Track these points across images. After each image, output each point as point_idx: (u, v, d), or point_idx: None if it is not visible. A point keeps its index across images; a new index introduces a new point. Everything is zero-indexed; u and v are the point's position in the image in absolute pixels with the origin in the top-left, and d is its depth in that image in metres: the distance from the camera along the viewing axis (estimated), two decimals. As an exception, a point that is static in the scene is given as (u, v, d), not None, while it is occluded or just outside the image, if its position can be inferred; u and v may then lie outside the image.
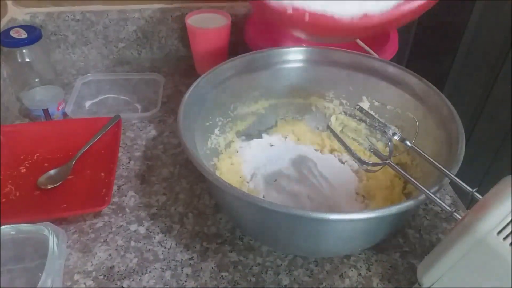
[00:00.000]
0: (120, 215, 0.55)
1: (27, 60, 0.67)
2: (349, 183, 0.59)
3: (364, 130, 0.62)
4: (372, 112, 0.52)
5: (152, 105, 0.73)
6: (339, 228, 0.44)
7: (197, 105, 0.54)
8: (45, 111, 0.67)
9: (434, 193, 0.41)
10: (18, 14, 0.79)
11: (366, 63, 0.60)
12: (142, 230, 0.53)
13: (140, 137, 0.67)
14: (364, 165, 0.48)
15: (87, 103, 0.74)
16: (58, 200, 0.56)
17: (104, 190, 0.56)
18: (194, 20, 0.76)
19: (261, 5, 0.55)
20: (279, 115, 0.65)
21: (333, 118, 0.63)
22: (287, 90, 0.63)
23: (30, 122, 0.69)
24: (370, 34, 0.66)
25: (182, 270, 0.49)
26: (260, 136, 0.64)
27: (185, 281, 0.48)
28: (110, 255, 0.50)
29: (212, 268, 0.49)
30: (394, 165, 0.46)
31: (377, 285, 0.48)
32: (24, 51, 0.67)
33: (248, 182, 0.58)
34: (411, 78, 0.56)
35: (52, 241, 0.44)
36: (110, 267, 0.49)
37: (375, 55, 0.66)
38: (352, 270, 0.49)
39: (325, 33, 0.59)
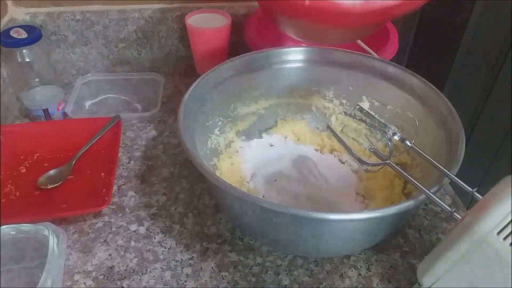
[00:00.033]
0: (120, 215, 0.55)
1: (27, 60, 0.67)
2: (349, 183, 0.59)
3: (364, 130, 0.62)
4: (372, 112, 0.52)
5: (152, 105, 0.73)
6: (339, 228, 0.44)
7: (197, 105, 0.54)
8: (45, 111, 0.67)
9: (434, 193, 0.41)
10: (18, 14, 0.79)
11: (366, 63, 0.60)
12: (142, 230, 0.53)
13: (140, 137, 0.67)
14: (364, 165, 0.48)
15: (87, 103, 0.74)
16: (58, 200, 0.56)
17: (104, 190, 0.56)
18: (194, 20, 0.76)
19: None
20: (279, 115, 0.65)
21: (333, 118, 0.63)
22: (287, 90, 0.63)
23: (30, 122, 0.69)
24: (371, 25, 0.65)
25: (182, 270, 0.49)
26: (260, 136, 0.64)
27: (185, 281, 0.48)
28: (110, 255, 0.50)
29: (212, 268, 0.49)
30: (394, 165, 0.46)
31: (377, 285, 0.48)
32: (24, 51, 0.67)
33: (248, 182, 0.58)
34: (411, 78, 0.56)
35: (52, 241, 0.44)
36: (110, 267, 0.49)
37: (375, 55, 0.66)
38: (352, 270, 0.49)
39: (325, 20, 0.58)
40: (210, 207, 0.56)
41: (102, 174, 0.59)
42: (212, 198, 0.57)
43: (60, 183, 0.58)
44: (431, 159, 0.45)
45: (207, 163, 0.54)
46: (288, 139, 0.65)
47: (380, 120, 0.50)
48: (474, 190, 0.40)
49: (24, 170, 0.60)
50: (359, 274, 0.49)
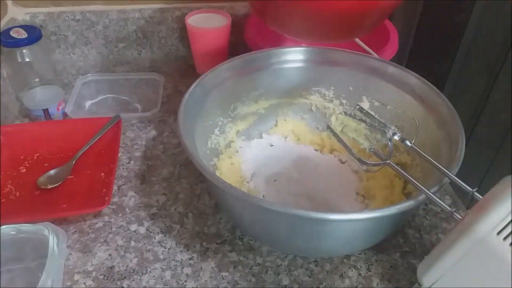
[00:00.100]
0: (120, 215, 0.55)
1: (27, 60, 0.67)
2: (349, 183, 0.59)
3: (364, 130, 0.62)
4: (372, 112, 0.52)
5: (152, 105, 0.73)
6: (339, 228, 0.44)
7: (197, 105, 0.54)
8: (45, 111, 0.67)
9: (434, 193, 0.41)
10: (18, 14, 0.79)
11: (366, 63, 0.60)
12: (142, 230, 0.53)
13: (140, 137, 0.67)
14: (364, 165, 0.48)
15: (87, 103, 0.74)
16: (58, 200, 0.56)
17: (104, 190, 0.56)
18: (194, 20, 0.76)
19: None
20: (279, 115, 0.65)
21: (333, 118, 0.63)
22: (287, 90, 0.63)
23: (30, 122, 0.69)
24: (370, 18, 0.64)
25: (182, 270, 0.49)
26: (260, 136, 0.64)
27: (185, 281, 0.48)
28: (110, 255, 0.50)
29: (212, 268, 0.49)
30: (394, 165, 0.46)
31: (377, 285, 0.48)
32: (24, 51, 0.67)
33: (248, 182, 0.58)
34: (411, 78, 0.56)
35: (52, 241, 0.44)
36: (110, 267, 0.49)
37: (375, 55, 0.66)
38: (352, 270, 0.49)
39: (321, 11, 0.57)
40: (210, 207, 0.56)
41: (102, 174, 0.59)
42: (212, 198, 0.57)
43: (60, 183, 0.58)
44: (431, 159, 0.45)
45: (207, 163, 0.54)
46: (288, 139, 0.65)
47: (380, 120, 0.50)
48: (474, 190, 0.40)
49: (24, 170, 0.60)
50: (359, 274, 0.49)
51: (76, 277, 0.48)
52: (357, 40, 0.69)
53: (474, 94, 0.95)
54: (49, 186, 0.57)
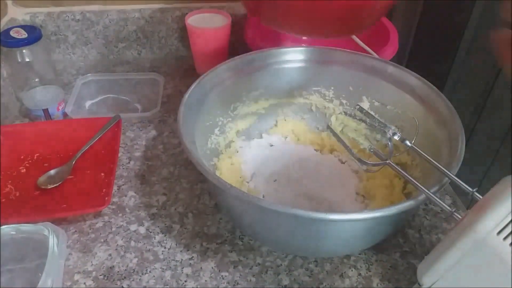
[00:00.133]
0: (120, 215, 0.55)
1: (27, 60, 0.67)
2: (349, 183, 0.59)
3: (364, 130, 0.62)
4: (372, 112, 0.52)
5: (152, 105, 0.73)
6: (339, 228, 0.44)
7: (197, 105, 0.54)
8: (45, 111, 0.67)
9: (434, 193, 0.41)
10: (18, 14, 0.79)
11: (366, 63, 0.60)
12: (142, 230, 0.53)
13: (140, 137, 0.67)
14: (364, 165, 0.48)
15: (87, 103, 0.74)
16: (58, 200, 0.56)
17: (104, 190, 0.56)
18: (194, 20, 0.76)
19: None
20: (279, 115, 0.65)
21: (333, 118, 0.63)
22: (287, 90, 0.63)
23: (30, 122, 0.69)
24: (364, 15, 0.63)
25: (182, 270, 0.49)
26: (260, 136, 0.64)
27: (185, 281, 0.48)
28: (110, 255, 0.50)
29: (212, 268, 0.49)
30: (394, 165, 0.46)
31: (377, 285, 0.48)
32: (24, 51, 0.67)
33: (248, 182, 0.58)
34: (411, 78, 0.56)
35: (52, 241, 0.45)
36: (110, 267, 0.49)
37: (375, 55, 0.66)
38: (352, 270, 0.49)
39: (314, 9, 0.56)
40: (210, 207, 0.56)
41: (102, 174, 0.59)
42: (212, 198, 0.57)
43: (60, 183, 0.58)
44: (431, 159, 0.45)
45: (207, 163, 0.54)
46: (288, 139, 0.65)
47: (380, 120, 0.50)
48: (474, 190, 0.40)
49: (24, 170, 0.60)
50: (359, 274, 0.49)
51: (76, 277, 0.48)
52: (357, 40, 0.69)
53: (474, 94, 0.96)
54: (49, 186, 0.57)
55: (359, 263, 0.50)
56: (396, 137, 0.48)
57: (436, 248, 0.40)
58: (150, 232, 0.53)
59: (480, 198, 0.39)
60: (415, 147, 0.47)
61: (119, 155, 0.63)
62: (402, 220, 0.52)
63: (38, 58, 0.68)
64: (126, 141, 0.66)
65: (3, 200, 0.56)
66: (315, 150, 0.64)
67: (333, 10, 0.56)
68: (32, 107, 0.67)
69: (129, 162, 0.63)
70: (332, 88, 0.63)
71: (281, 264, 0.50)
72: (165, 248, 0.51)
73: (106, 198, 0.53)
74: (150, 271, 0.49)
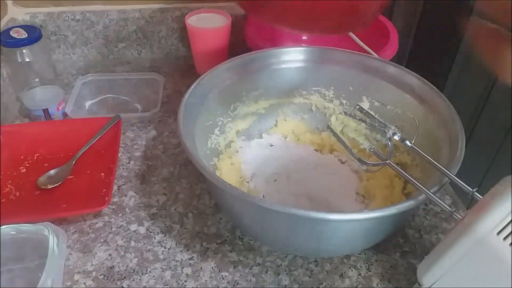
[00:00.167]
0: (120, 215, 0.55)
1: (27, 60, 0.67)
2: (349, 183, 0.59)
3: (364, 130, 0.62)
4: (372, 112, 0.52)
5: (152, 105, 0.73)
6: (339, 228, 0.44)
7: (197, 105, 0.54)
8: (45, 111, 0.67)
9: (434, 193, 0.41)
10: (18, 14, 0.79)
11: (366, 63, 0.60)
12: (142, 230, 0.53)
13: (140, 137, 0.67)
14: (364, 165, 0.48)
15: (87, 103, 0.74)
16: (58, 200, 0.56)
17: (104, 190, 0.56)
18: (194, 20, 0.76)
19: None
20: (279, 115, 0.65)
21: (333, 118, 0.63)
22: (287, 90, 0.63)
23: (30, 122, 0.69)
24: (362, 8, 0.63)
25: (182, 270, 0.49)
26: (260, 136, 0.64)
27: (185, 281, 0.48)
28: (110, 255, 0.50)
29: (212, 268, 0.49)
30: (394, 165, 0.46)
31: (377, 285, 0.48)
32: (24, 51, 0.67)
33: (248, 182, 0.58)
34: (411, 78, 0.56)
35: (52, 241, 0.44)
36: (110, 267, 0.49)
37: (375, 55, 0.66)
38: (352, 270, 0.49)
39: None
40: (210, 207, 0.56)
41: (102, 174, 0.59)
42: (212, 198, 0.57)
43: (60, 183, 0.58)
44: (431, 159, 0.45)
45: (207, 163, 0.54)
46: (288, 139, 0.65)
47: (380, 120, 0.50)
48: (474, 190, 0.40)
49: (24, 170, 0.60)
50: (359, 274, 0.49)
51: (76, 277, 0.48)
52: (357, 40, 0.69)
53: (474, 94, 0.96)
54: (49, 186, 0.57)
55: (359, 263, 0.50)
56: (396, 137, 0.48)
57: (436, 248, 0.40)
58: (150, 232, 0.53)
59: (480, 198, 0.39)
60: (415, 147, 0.47)
61: (119, 155, 0.63)
62: (402, 220, 0.52)
63: (38, 58, 0.68)
64: (126, 141, 0.66)
65: (3, 200, 0.56)
66: (315, 150, 0.64)
67: (328, 7, 0.56)
68: (32, 107, 0.67)
69: (129, 162, 0.63)
70: (332, 88, 0.63)
71: (281, 264, 0.50)
72: (165, 248, 0.51)
73: (106, 198, 0.53)
74: (150, 271, 0.49)
